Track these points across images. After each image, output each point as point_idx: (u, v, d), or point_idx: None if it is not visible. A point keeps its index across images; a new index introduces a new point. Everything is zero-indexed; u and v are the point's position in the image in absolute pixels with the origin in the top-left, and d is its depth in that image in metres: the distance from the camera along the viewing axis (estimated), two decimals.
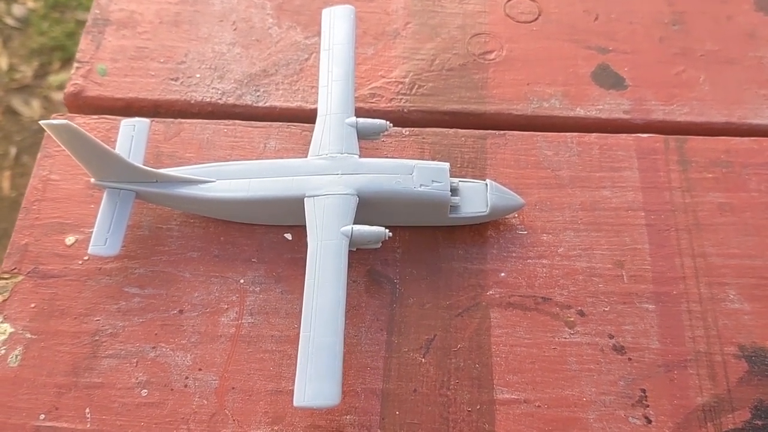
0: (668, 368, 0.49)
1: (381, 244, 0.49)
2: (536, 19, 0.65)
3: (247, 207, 0.51)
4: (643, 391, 0.48)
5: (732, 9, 0.66)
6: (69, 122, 0.45)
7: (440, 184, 0.50)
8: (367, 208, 0.50)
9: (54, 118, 0.52)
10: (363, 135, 0.53)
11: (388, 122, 0.53)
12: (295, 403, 0.42)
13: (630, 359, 0.49)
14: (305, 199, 0.50)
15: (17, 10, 1.62)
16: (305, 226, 0.49)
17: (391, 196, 0.50)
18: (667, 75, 0.62)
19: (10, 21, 1.61)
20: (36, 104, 1.48)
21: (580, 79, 0.61)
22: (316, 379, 0.42)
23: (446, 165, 0.51)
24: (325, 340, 0.44)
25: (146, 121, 0.54)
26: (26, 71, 1.53)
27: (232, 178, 0.51)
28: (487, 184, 0.52)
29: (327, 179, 0.50)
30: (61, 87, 1.45)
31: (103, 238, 0.49)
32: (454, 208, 0.51)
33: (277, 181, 0.50)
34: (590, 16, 0.65)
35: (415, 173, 0.50)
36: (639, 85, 0.61)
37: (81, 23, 1.57)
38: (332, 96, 0.54)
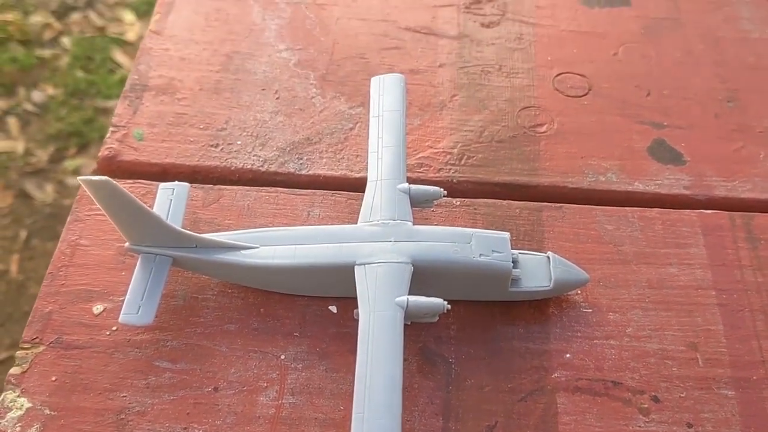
0: None
1: (438, 318, 0.45)
2: (586, 94, 0.63)
3: (292, 275, 0.47)
4: None
5: None
6: (108, 179, 0.42)
7: (501, 255, 0.46)
8: (421, 279, 0.46)
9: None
10: (415, 202, 0.50)
11: (442, 189, 0.50)
12: None
13: None
14: (356, 267, 0.46)
15: (37, 96, 1.63)
16: (352, 297, 0.45)
17: (448, 265, 0.46)
18: (726, 151, 0.59)
19: (29, 106, 1.62)
20: (50, 188, 1.47)
21: (636, 154, 0.59)
22: None
23: (507, 234, 0.48)
24: (381, 423, 0.39)
25: (185, 185, 0.51)
26: (42, 156, 1.52)
27: (277, 244, 0.47)
28: (549, 257, 0.48)
29: (379, 246, 0.46)
30: (76, 172, 1.44)
31: (135, 306, 0.45)
32: (515, 281, 0.48)
33: (326, 248, 0.47)
34: (642, 91, 0.63)
35: (473, 242, 0.47)
36: (698, 161, 0.58)
37: (99, 110, 1.59)
38: (383, 162, 0.51)
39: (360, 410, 0.40)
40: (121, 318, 0.45)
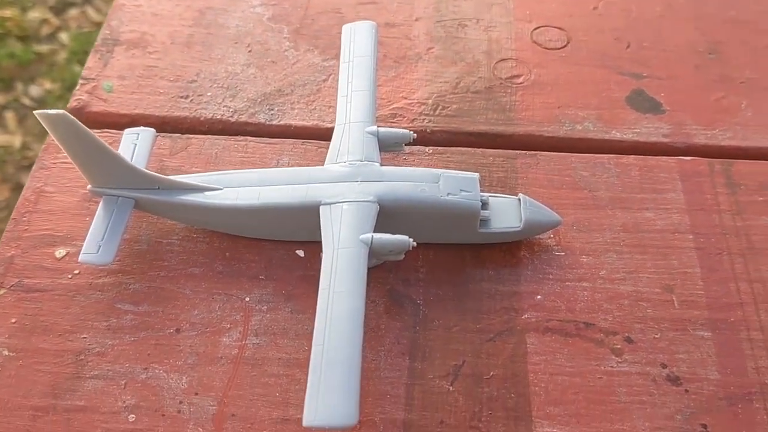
0: (731, 401, 0.42)
1: (404, 256, 0.44)
2: (565, 46, 0.62)
3: (256, 217, 0.46)
4: (704, 426, 0.41)
5: None
6: (65, 113, 0.41)
7: (469, 194, 0.45)
8: (388, 220, 0.45)
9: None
10: (384, 146, 0.49)
11: (412, 132, 0.49)
12: (304, 423, 0.36)
13: (687, 391, 0.43)
14: (321, 207, 0.45)
15: (34, 90, 1.63)
16: (319, 242, 0.44)
17: (415, 205, 0.45)
18: (706, 101, 0.58)
19: (26, 101, 1.62)
20: None
21: (615, 104, 0.58)
22: (329, 396, 0.37)
23: (476, 175, 0.47)
24: (341, 353, 0.38)
25: (151, 130, 0.50)
26: (38, 149, 1.52)
27: (241, 186, 0.46)
28: (520, 199, 0.47)
29: (345, 186, 0.45)
30: None
31: (95, 245, 0.44)
32: (484, 222, 0.46)
33: (291, 189, 0.46)
34: (622, 44, 0.62)
35: (441, 182, 0.46)
36: (677, 110, 0.57)
37: None
38: (352, 105, 0.50)
39: (320, 342, 0.39)
40: (81, 257, 0.44)
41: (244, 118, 0.55)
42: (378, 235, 0.43)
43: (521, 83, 0.59)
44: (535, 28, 0.63)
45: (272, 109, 0.56)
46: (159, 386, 0.42)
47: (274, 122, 0.55)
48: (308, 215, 0.45)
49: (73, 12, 2.20)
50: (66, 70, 1.68)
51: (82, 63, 1.71)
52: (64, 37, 1.88)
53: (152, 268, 0.47)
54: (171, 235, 0.48)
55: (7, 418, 0.41)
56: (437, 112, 0.57)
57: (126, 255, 0.47)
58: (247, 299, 0.46)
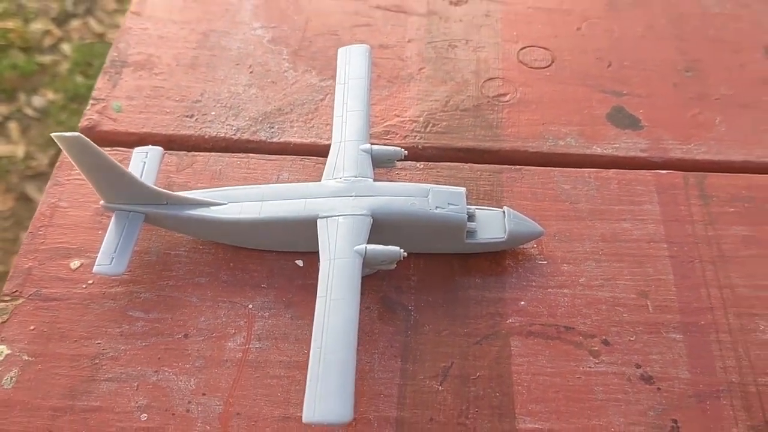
0: (700, 399, 0.46)
1: (396, 265, 0.47)
2: (549, 65, 0.65)
3: (258, 230, 0.49)
4: (675, 421, 0.45)
5: (744, 58, 0.66)
6: (80, 135, 0.45)
7: (456, 207, 0.49)
8: (381, 232, 0.48)
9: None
10: (377, 162, 0.52)
11: (403, 149, 0.53)
12: (304, 419, 0.39)
13: (659, 389, 0.46)
14: (318, 220, 0.48)
15: (37, 101, 1.66)
16: (317, 252, 0.47)
17: (405, 217, 0.48)
18: (683, 117, 0.62)
19: (29, 111, 1.65)
20: None
21: (596, 120, 0.61)
22: (327, 395, 0.40)
23: (462, 189, 0.50)
24: (336, 356, 0.41)
25: (159, 149, 0.54)
26: (42, 159, 1.55)
27: (244, 201, 0.50)
28: (504, 212, 0.51)
29: (340, 201, 0.49)
30: None
31: (109, 257, 0.48)
32: (471, 233, 0.50)
33: (290, 203, 0.49)
34: (603, 63, 0.66)
35: (430, 196, 0.49)
36: (655, 126, 0.61)
37: None
38: (347, 125, 0.53)
39: (318, 346, 0.42)
40: (95, 268, 0.48)
41: (246, 136, 0.59)
42: (371, 247, 0.46)
43: (507, 101, 0.62)
44: (521, 49, 0.67)
45: (272, 127, 0.59)
46: (169, 387, 0.45)
47: (275, 140, 0.59)
48: (306, 228, 0.49)
49: (75, 23, 2.24)
50: (68, 81, 1.71)
51: (84, 74, 1.75)
52: (66, 47, 1.92)
53: (161, 278, 0.50)
54: (178, 247, 0.52)
55: (28, 419, 0.44)
56: (428, 129, 0.60)
57: (137, 266, 0.51)
58: (250, 306, 0.49)
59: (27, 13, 2.18)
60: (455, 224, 0.49)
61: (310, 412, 0.40)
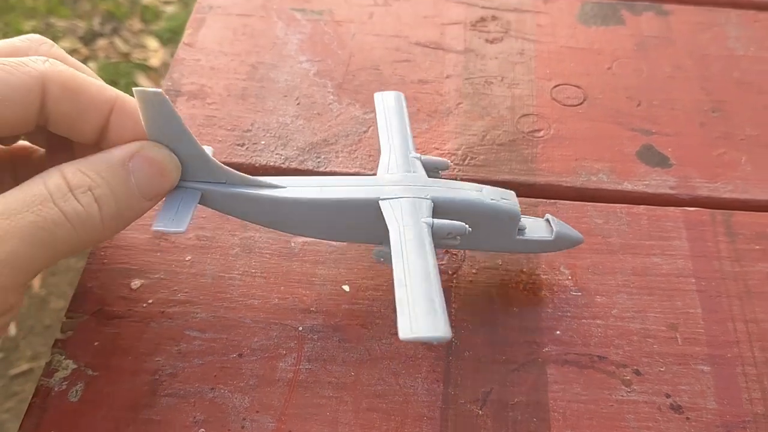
0: (728, 428, 0.48)
1: (460, 240, 0.49)
2: (581, 103, 0.68)
3: (316, 213, 0.50)
4: None
5: None
6: (161, 92, 0.43)
7: (510, 201, 0.51)
8: (439, 218, 0.49)
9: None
10: (425, 171, 0.54)
11: (449, 161, 0.55)
12: (401, 336, 0.40)
13: (688, 419, 0.48)
14: (380, 201, 0.49)
15: None
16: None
17: (463, 204, 0.50)
18: (709, 156, 0.64)
19: None
20: None
21: (626, 157, 0.64)
22: (423, 314, 0.41)
23: (513, 192, 0.52)
24: (423, 287, 0.42)
25: (209, 148, 0.52)
26: None
27: (304, 185, 0.50)
28: (548, 219, 0.53)
29: (400, 188, 0.50)
30: None
31: (169, 219, 0.46)
32: (521, 230, 0.52)
33: (350, 188, 0.50)
34: (633, 102, 0.69)
35: (484, 190, 0.51)
36: (683, 164, 0.64)
37: None
38: (393, 137, 0.55)
39: (402, 284, 0.43)
40: (155, 226, 0.46)
41: (294, 165, 0.62)
42: (437, 219, 0.48)
43: (542, 137, 0.65)
44: (555, 86, 0.70)
45: (319, 157, 0.63)
46: (224, 404, 0.48)
47: (321, 169, 0.62)
48: (368, 211, 0.49)
49: (101, 42, 2.29)
50: None
51: None
52: (92, 66, 1.96)
53: (216, 299, 0.53)
54: (232, 271, 0.55)
55: (94, 429, 0.47)
56: (466, 162, 0.63)
57: (192, 288, 0.54)
58: (300, 329, 0.52)
59: (55, 31, 2.23)
60: (510, 215, 0.51)
61: (407, 330, 0.40)
